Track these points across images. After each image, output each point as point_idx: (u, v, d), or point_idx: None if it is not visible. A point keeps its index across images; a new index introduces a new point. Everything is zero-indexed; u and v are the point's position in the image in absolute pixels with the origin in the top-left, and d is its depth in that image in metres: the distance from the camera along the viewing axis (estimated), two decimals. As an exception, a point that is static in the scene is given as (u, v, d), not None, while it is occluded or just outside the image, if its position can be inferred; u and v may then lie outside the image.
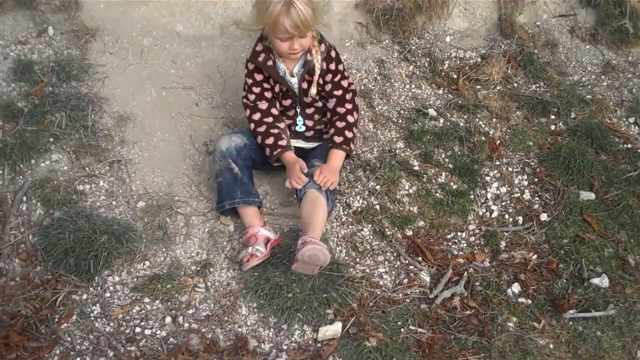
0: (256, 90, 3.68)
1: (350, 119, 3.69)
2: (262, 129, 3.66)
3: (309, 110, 3.79)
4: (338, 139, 3.65)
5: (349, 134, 3.66)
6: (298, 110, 3.78)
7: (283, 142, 3.65)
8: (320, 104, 3.77)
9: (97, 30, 4.35)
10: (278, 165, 3.70)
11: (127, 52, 4.34)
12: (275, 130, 3.65)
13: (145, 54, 4.37)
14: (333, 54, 3.65)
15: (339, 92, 3.68)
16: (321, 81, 3.66)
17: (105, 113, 4.04)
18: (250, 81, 3.68)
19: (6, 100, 3.92)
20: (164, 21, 4.49)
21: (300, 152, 3.77)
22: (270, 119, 3.67)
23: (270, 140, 3.63)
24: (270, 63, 3.60)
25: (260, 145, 3.69)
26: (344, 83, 3.69)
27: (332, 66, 3.64)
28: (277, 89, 3.71)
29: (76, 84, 4.10)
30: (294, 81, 3.66)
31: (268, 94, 3.70)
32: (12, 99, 3.93)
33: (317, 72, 3.62)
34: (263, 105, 3.69)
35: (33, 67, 4.09)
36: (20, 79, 4.04)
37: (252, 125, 3.68)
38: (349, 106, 3.70)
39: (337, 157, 3.65)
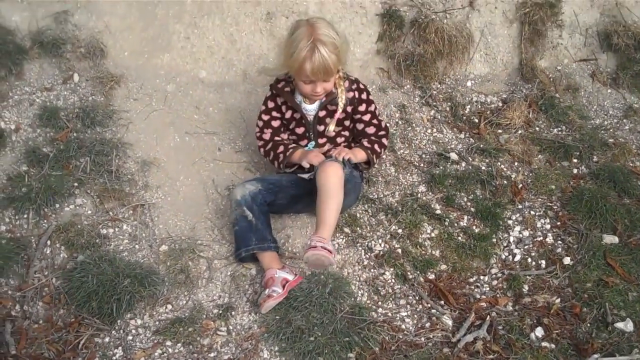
0: (265, 117, 3.84)
1: (385, 141, 3.91)
2: (269, 145, 3.84)
3: (321, 140, 3.85)
4: (367, 144, 3.85)
5: (378, 149, 3.85)
6: (311, 137, 3.85)
7: (292, 145, 3.80)
8: (333, 134, 3.83)
9: (122, 77, 4.42)
10: (290, 171, 3.82)
11: (151, 98, 4.40)
12: (283, 142, 3.83)
13: (169, 100, 4.42)
14: (362, 85, 3.82)
15: (375, 121, 3.88)
16: (349, 109, 3.79)
17: (129, 158, 4.08)
18: (263, 107, 3.85)
19: (32, 145, 3.98)
20: (187, 68, 4.55)
21: (310, 183, 3.79)
22: (276, 139, 3.86)
23: (280, 149, 3.77)
24: (288, 89, 3.73)
25: (272, 161, 3.82)
26: (377, 112, 3.89)
27: (364, 96, 3.81)
28: (288, 115, 3.81)
29: (101, 129, 4.16)
30: (309, 108, 3.75)
31: (275, 123, 3.83)
32: (37, 145, 3.99)
33: (340, 109, 3.73)
34: (266, 135, 3.85)
35: (58, 113, 4.15)
36: (46, 124, 4.10)
37: (261, 151, 3.90)
38: (383, 132, 3.90)
39: (358, 150, 3.84)
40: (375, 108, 3.88)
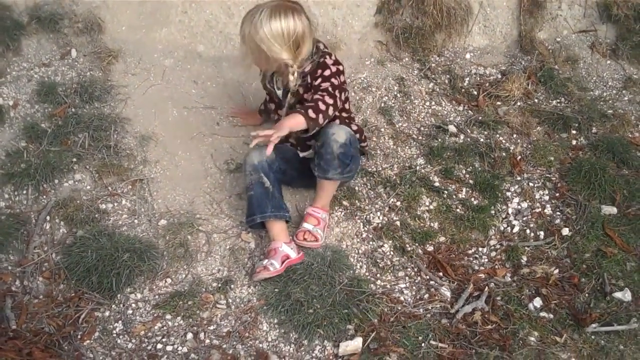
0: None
1: (321, 105, 3.40)
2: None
3: None
4: (301, 108, 3.43)
5: (312, 114, 3.36)
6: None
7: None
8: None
9: (120, 52, 4.41)
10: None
11: (149, 73, 4.39)
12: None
13: (167, 75, 4.41)
14: (324, 64, 3.53)
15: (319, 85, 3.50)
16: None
17: (127, 133, 4.08)
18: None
19: (30, 121, 3.98)
20: (185, 42, 4.54)
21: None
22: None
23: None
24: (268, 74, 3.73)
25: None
26: (325, 85, 3.48)
27: (318, 73, 3.52)
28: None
29: (99, 104, 4.16)
30: (279, 93, 3.73)
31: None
32: (35, 120, 4.00)
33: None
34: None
35: (56, 89, 4.15)
36: (44, 100, 4.10)
37: None
38: (322, 94, 3.45)
39: (292, 115, 3.42)
40: (323, 81, 3.50)
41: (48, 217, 3.64)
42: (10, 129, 3.97)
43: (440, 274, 3.67)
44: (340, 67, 3.58)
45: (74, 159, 3.87)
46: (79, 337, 3.20)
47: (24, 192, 3.72)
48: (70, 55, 4.35)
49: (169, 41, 4.51)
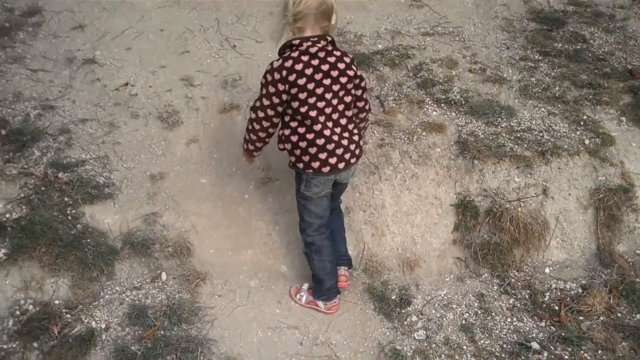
0: None
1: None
2: None
3: None
4: None
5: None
6: None
7: None
8: None
9: (207, 274, 4.58)
10: None
11: (235, 294, 4.53)
12: None
13: (252, 295, 4.54)
14: None
15: None
16: None
17: (213, 354, 4.15)
18: None
19: (120, 344, 4.10)
20: (269, 263, 4.71)
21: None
22: None
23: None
24: None
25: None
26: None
27: None
28: None
29: (186, 326, 4.27)
30: None
31: None
32: (126, 343, 4.11)
33: None
34: None
35: (147, 312, 4.29)
36: (134, 323, 4.24)
37: None
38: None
39: None
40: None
41: None
42: (102, 352, 4.08)
43: None
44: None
45: (161, 383, 3.96)
46: None
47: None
48: (161, 279, 4.54)
49: (253, 262, 4.69)
